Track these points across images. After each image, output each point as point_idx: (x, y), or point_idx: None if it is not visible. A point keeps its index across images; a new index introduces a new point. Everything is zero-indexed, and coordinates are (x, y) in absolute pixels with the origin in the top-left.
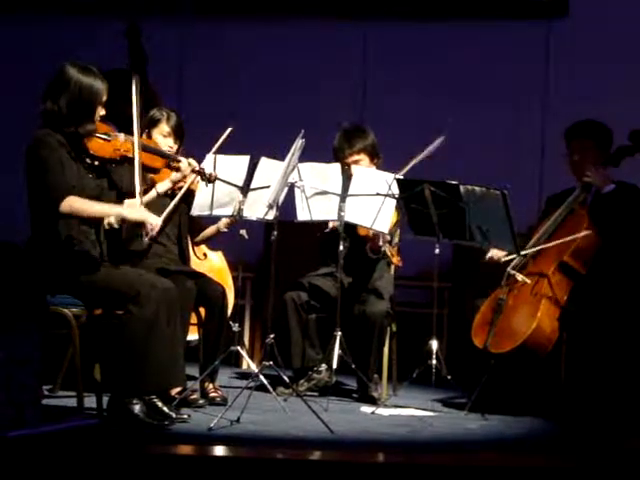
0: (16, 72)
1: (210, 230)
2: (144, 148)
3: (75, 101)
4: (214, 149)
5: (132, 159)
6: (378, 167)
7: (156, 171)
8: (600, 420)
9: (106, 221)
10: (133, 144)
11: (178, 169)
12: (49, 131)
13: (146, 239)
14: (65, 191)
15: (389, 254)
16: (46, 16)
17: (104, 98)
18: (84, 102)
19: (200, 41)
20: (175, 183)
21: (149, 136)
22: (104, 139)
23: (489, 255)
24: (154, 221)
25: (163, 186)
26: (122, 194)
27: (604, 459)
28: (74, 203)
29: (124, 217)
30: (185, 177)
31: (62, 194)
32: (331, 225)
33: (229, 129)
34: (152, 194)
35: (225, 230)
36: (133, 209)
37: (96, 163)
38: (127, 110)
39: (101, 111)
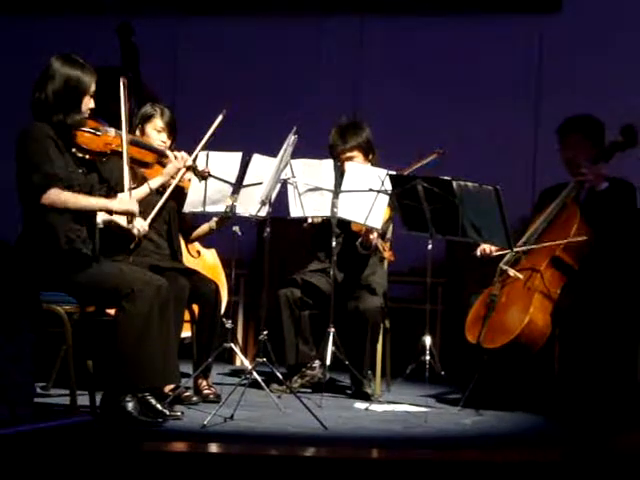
0: (11, 71)
1: (202, 228)
2: (134, 142)
3: (61, 90)
4: (205, 138)
5: (122, 153)
6: (373, 163)
7: (147, 165)
8: (593, 415)
9: (99, 219)
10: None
11: (169, 164)
12: (37, 123)
13: (132, 246)
14: (49, 183)
15: (381, 249)
16: (40, 14)
17: (92, 89)
18: (70, 92)
19: (195, 38)
20: (168, 178)
21: (142, 131)
22: (94, 134)
23: (480, 249)
24: (140, 224)
25: (155, 182)
26: (111, 189)
27: (596, 454)
28: (58, 195)
29: (110, 209)
30: (178, 171)
31: (45, 186)
32: (310, 220)
33: (220, 117)
34: (144, 190)
35: (217, 228)
36: (121, 202)
37: (87, 157)
38: (115, 108)
39: (90, 103)
